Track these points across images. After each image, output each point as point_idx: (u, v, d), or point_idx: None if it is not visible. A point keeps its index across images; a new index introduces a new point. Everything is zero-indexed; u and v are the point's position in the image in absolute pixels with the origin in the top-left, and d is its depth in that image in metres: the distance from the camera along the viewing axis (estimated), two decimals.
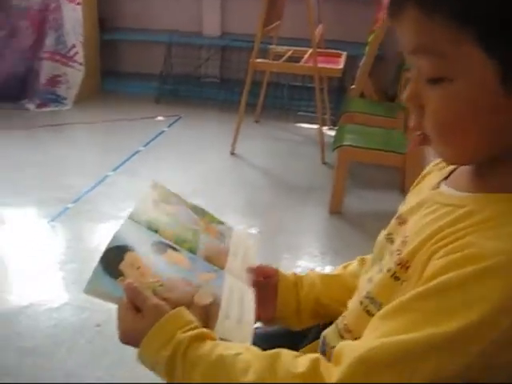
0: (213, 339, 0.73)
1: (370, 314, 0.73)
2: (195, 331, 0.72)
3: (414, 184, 0.87)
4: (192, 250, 0.93)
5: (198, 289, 0.84)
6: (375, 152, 2.93)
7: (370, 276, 0.80)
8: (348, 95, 4.10)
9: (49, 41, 4.56)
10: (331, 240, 2.81)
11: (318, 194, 3.19)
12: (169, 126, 4.34)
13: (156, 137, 4.08)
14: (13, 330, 2.01)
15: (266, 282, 0.98)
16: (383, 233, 0.84)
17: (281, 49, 4.06)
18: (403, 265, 0.69)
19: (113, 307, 0.79)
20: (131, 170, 3.45)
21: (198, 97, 4.87)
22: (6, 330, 2.01)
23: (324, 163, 3.68)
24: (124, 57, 5.40)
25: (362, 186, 3.35)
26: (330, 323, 0.86)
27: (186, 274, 0.86)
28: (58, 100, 4.64)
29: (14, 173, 3.34)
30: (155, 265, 0.84)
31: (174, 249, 0.90)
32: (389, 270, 0.72)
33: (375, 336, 0.61)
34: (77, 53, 4.57)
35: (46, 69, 4.57)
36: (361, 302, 0.77)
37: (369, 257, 0.95)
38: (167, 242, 0.90)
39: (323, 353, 0.81)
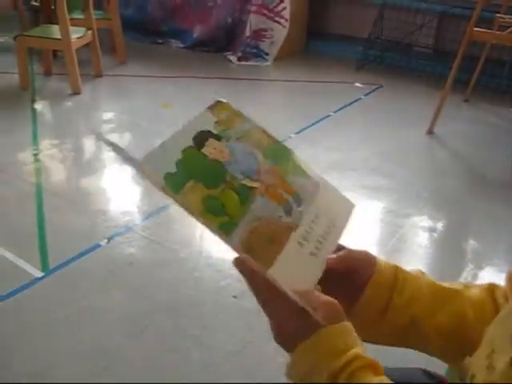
0: (381, 375, 0.59)
1: None
2: (371, 358, 0.59)
3: None
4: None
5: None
6: None
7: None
8: None
9: None
10: None
11: None
12: (366, 95, 4.05)
13: (350, 104, 3.83)
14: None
15: (349, 276, 0.71)
16: None
17: (509, 18, 3.47)
18: None
19: None
20: (312, 137, 3.25)
21: (405, 66, 4.47)
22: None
23: None
24: (333, 17, 5.15)
25: None
26: None
27: None
28: (259, 55, 4.60)
29: None
30: None
31: None
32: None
33: None
34: (284, 8, 4.45)
35: (253, 22, 4.55)
36: None
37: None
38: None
39: None
